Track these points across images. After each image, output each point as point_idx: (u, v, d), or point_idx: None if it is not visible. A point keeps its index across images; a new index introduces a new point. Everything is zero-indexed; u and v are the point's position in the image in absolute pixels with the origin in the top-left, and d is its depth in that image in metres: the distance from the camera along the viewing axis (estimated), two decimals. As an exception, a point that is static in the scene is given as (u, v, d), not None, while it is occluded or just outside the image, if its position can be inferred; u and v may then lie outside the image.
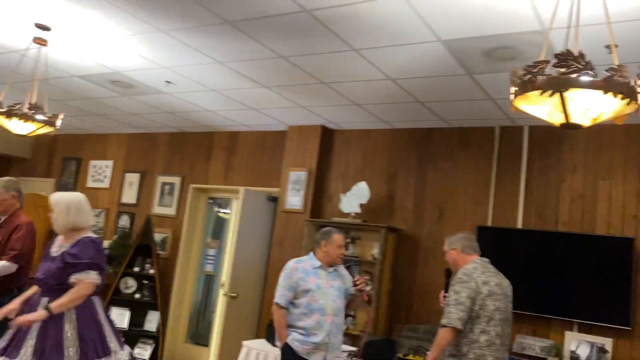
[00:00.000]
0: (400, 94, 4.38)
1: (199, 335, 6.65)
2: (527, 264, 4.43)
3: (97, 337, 3.02)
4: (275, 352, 3.99)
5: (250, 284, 5.64)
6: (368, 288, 3.65)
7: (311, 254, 3.75)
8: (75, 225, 3.18)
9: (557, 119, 2.14)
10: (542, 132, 4.68)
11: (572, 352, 4.13)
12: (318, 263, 3.66)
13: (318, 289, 3.56)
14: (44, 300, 3.03)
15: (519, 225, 4.63)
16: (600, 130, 4.35)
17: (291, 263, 3.69)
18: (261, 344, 4.27)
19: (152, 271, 6.48)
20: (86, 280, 3.03)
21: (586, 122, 2.12)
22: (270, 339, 4.22)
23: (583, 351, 4.06)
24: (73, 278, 3.03)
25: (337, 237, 3.67)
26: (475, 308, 3.01)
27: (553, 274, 4.31)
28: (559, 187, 4.55)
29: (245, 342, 4.30)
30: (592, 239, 4.25)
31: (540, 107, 2.12)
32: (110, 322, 3.21)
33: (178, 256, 6.60)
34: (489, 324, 3.01)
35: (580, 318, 4.17)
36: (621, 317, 4.00)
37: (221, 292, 5.76)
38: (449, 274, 3.40)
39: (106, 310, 3.27)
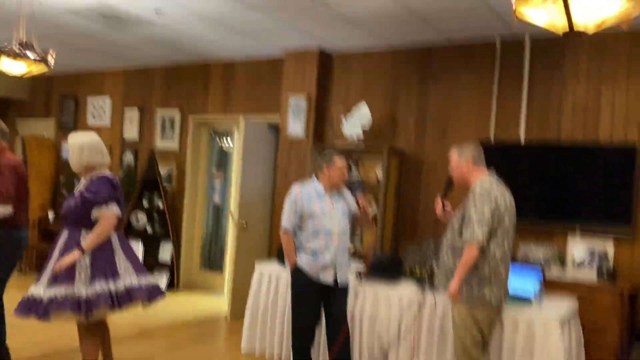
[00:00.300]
0: (397, 7, 4.25)
1: (213, 262, 6.88)
2: (531, 177, 4.48)
3: (106, 263, 3.22)
4: (287, 274, 4.14)
5: (258, 212, 5.75)
6: (371, 209, 3.71)
7: (314, 178, 3.79)
8: (90, 164, 3.34)
9: (560, 26, 2.08)
10: (544, 43, 4.57)
11: (575, 256, 4.25)
12: (321, 187, 3.71)
13: (323, 212, 3.63)
14: (65, 233, 3.31)
15: (522, 138, 4.63)
16: (604, 38, 4.24)
17: (295, 188, 3.74)
18: (273, 266, 4.41)
19: (160, 205, 6.60)
20: (108, 214, 3.24)
21: (590, 27, 2.06)
22: (281, 262, 4.35)
23: (585, 256, 4.18)
24: (95, 213, 3.25)
25: (339, 160, 3.69)
26: (494, 224, 2.99)
27: (556, 185, 4.37)
28: (561, 97, 4.51)
29: (257, 265, 4.44)
30: (595, 150, 4.27)
31: (543, 11, 2.04)
32: (127, 252, 3.37)
33: (185, 189, 6.69)
34: (504, 239, 3.04)
35: (583, 223, 4.26)
36: (623, 222, 4.09)
37: (230, 221, 5.88)
38: (449, 182, 3.34)
39: (125, 240, 3.45)
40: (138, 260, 3.47)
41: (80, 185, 3.40)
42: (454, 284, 3.01)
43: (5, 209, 3.56)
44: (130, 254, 3.39)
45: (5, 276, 3.67)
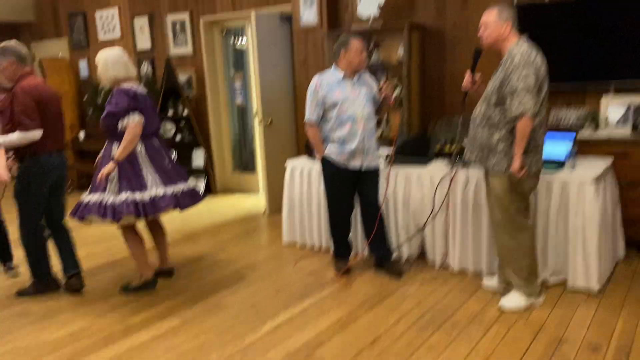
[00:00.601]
0: None
1: (245, 163, 7.01)
2: (559, 37, 4.25)
3: (132, 175, 3.46)
4: (317, 166, 4.20)
5: (281, 107, 5.72)
6: (395, 93, 3.63)
7: (334, 65, 3.71)
8: (118, 78, 3.52)
9: None
10: None
11: (609, 114, 4.14)
12: (341, 74, 3.63)
13: (345, 99, 3.59)
14: (109, 147, 3.57)
15: (549, -4, 4.34)
16: None
17: (315, 79, 3.68)
18: (303, 161, 4.46)
19: (185, 112, 6.63)
20: (131, 124, 3.43)
21: None
22: (311, 155, 4.40)
23: (620, 113, 4.07)
24: (120, 125, 3.46)
25: (356, 43, 3.57)
26: (537, 91, 2.87)
27: (588, 40, 4.15)
28: (591, -55, 4.14)
29: (288, 162, 4.51)
30: (628, -3, 3.98)
31: None
32: (156, 162, 3.59)
33: (206, 94, 6.66)
34: (542, 106, 2.95)
35: (615, 79, 4.09)
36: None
37: (256, 121, 5.89)
38: (477, 54, 3.18)
39: (158, 149, 3.65)
40: (171, 168, 3.67)
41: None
42: (516, 161, 2.93)
43: (23, 135, 3.39)
44: (159, 164, 3.59)
45: (37, 205, 3.60)
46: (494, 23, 2.98)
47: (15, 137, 3.41)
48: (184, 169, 3.88)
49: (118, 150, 3.42)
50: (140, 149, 3.53)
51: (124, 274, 4.12)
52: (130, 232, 3.68)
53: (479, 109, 3.12)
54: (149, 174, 3.52)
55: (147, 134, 3.58)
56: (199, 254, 4.54)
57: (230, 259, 4.38)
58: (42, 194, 3.62)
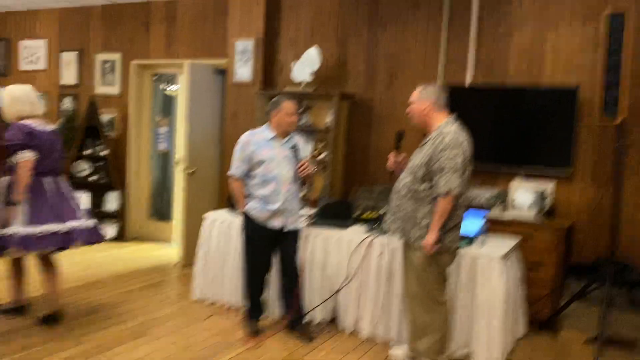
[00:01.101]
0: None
1: (161, 211, 6.76)
2: (477, 120, 4.54)
3: (30, 209, 3.47)
4: (234, 220, 4.13)
5: (207, 157, 5.65)
6: (313, 170, 3.70)
7: (266, 125, 3.74)
8: (22, 114, 3.57)
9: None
10: (493, -15, 4.57)
11: (517, 198, 4.42)
12: (272, 134, 3.67)
13: (272, 159, 3.61)
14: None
15: (467, 82, 4.68)
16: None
17: (244, 136, 3.69)
18: (224, 214, 4.38)
19: (103, 153, 6.37)
20: (21, 161, 3.43)
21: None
22: (233, 208, 4.33)
23: (527, 197, 4.36)
24: (13, 160, 3.46)
25: (287, 105, 3.64)
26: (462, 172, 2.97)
27: (501, 128, 4.48)
28: (507, 41, 4.56)
29: (207, 214, 4.40)
30: (538, 91, 4.37)
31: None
32: (55, 197, 3.60)
33: (128, 136, 6.47)
34: (467, 186, 3.06)
35: (525, 165, 4.41)
36: (563, 163, 4.27)
37: (178, 169, 5.75)
38: (400, 136, 3.30)
39: (58, 186, 3.68)
40: (66, 205, 3.66)
41: None
42: (431, 236, 2.98)
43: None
44: (57, 200, 3.60)
45: None
46: (417, 101, 3.14)
47: None
48: (82, 210, 3.80)
49: (16, 191, 3.44)
50: (45, 182, 3.58)
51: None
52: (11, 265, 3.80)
53: (404, 181, 3.16)
54: (44, 207, 3.53)
55: (42, 172, 3.56)
56: (101, 303, 4.24)
57: (134, 311, 4.12)
58: None
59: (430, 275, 3.12)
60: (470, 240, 3.65)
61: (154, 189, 6.78)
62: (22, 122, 3.53)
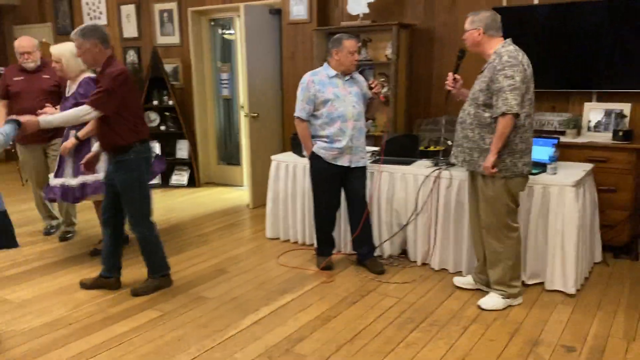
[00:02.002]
0: None
1: (230, 156, 6.98)
2: (546, 41, 4.30)
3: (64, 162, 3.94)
4: (303, 162, 4.20)
5: (268, 101, 5.70)
6: (384, 90, 3.64)
7: (325, 64, 3.72)
8: (83, 68, 3.83)
9: None
10: None
11: (591, 121, 4.21)
12: (333, 72, 3.65)
13: (336, 97, 3.60)
14: (72, 132, 3.88)
15: (535, 1, 4.39)
16: None
17: (307, 76, 3.69)
18: (288, 156, 4.46)
19: (170, 102, 6.58)
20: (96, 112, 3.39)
21: None
22: (297, 150, 4.40)
23: (602, 119, 4.14)
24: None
25: (349, 44, 3.58)
26: (523, 92, 2.91)
27: (572, 48, 4.21)
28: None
29: (273, 156, 4.50)
30: (610, 5, 4.04)
31: None
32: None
33: (193, 84, 6.61)
34: (531, 107, 2.99)
35: (599, 88, 4.17)
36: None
37: (242, 113, 5.86)
38: (461, 54, 3.25)
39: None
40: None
41: (73, 89, 3.92)
42: (490, 158, 2.98)
43: (89, 111, 3.19)
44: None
45: (149, 195, 3.47)
46: (469, 29, 3.09)
47: (81, 110, 3.16)
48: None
49: (82, 131, 3.77)
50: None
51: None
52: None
53: (467, 110, 3.14)
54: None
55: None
56: (181, 246, 4.52)
57: (212, 252, 4.37)
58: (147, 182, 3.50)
59: (502, 202, 3.11)
60: (541, 168, 3.55)
61: (221, 134, 6.97)
62: (87, 76, 3.82)
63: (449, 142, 4.09)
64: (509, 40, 3.05)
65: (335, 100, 3.60)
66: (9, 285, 3.71)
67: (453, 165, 3.66)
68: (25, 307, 3.36)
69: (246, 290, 3.57)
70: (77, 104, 3.59)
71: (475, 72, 3.24)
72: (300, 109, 3.69)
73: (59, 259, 4.20)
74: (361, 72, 3.75)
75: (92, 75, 3.87)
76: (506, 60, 2.91)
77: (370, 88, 3.66)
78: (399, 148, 4.13)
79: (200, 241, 4.64)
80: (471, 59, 3.48)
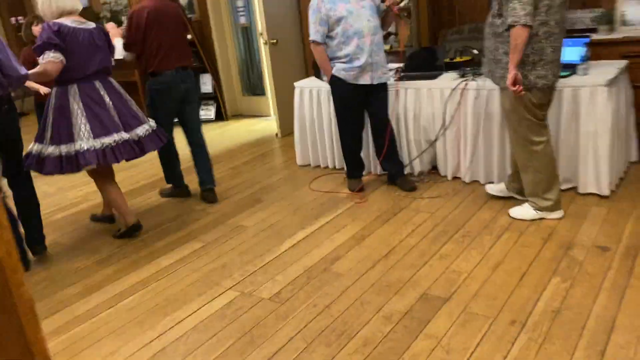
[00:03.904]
0: None
1: (254, 86, 6.95)
2: None
3: (63, 125, 3.23)
4: (326, 86, 4.16)
5: (287, 27, 5.58)
6: (403, 2, 3.51)
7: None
8: (64, 11, 3.23)
9: None
10: None
11: (625, 13, 3.98)
12: (344, -13, 3.52)
13: (350, 13, 3.49)
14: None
15: None
16: None
17: None
18: (311, 81, 4.42)
19: (189, 36, 6.50)
20: (45, 61, 3.11)
21: None
22: (319, 75, 4.35)
23: (635, 11, 3.91)
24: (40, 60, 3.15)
25: None
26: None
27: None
28: None
29: (296, 83, 4.47)
30: None
31: None
32: (93, 111, 3.26)
33: (209, 15, 6.49)
34: (549, 14, 2.79)
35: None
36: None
37: (261, 41, 5.77)
38: None
39: (99, 95, 3.32)
40: (115, 114, 3.34)
41: None
42: (510, 72, 2.84)
43: (126, 54, 3.82)
44: (94, 112, 3.25)
45: (163, 122, 3.81)
46: None
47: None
48: (137, 112, 3.52)
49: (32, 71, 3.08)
50: (74, 94, 3.24)
51: (150, 202, 4.26)
52: (99, 178, 3.54)
53: (488, 20, 3.01)
54: (81, 124, 3.22)
55: (84, 76, 3.25)
56: (218, 177, 4.61)
57: (245, 182, 4.48)
58: (167, 108, 3.86)
59: (519, 116, 3.01)
60: (571, 70, 3.42)
61: (243, 65, 6.91)
62: (54, 21, 3.17)
63: (475, 51, 3.96)
64: None
65: (349, 17, 3.49)
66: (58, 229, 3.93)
67: (480, 75, 3.56)
68: (76, 249, 3.56)
69: (282, 217, 3.68)
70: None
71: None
72: (315, 32, 3.60)
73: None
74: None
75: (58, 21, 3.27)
76: None
77: (383, 0, 3.52)
78: (422, 62, 4.03)
79: (233, 173, 4.74)
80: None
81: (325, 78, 3.78)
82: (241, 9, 6.58)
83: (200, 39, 6.55)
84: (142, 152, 3.44)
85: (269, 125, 6.30)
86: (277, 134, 5.76)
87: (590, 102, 3.26)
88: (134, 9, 3.73)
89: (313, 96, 4.35)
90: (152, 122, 3.61)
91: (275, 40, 5.40)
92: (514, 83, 2.85)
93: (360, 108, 3.77)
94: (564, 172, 3.48)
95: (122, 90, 3.49)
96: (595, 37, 3.86)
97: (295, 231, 3.43)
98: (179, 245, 3.43)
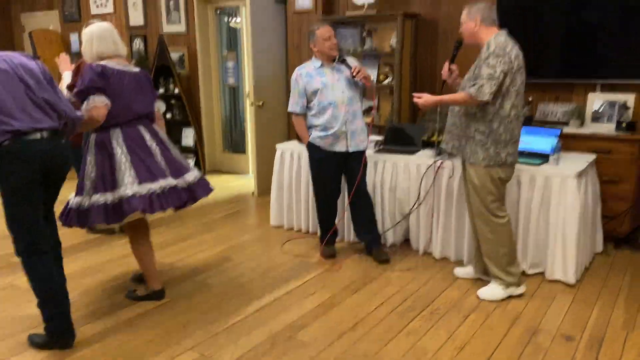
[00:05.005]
0: None
1: (235, 144, 7.02)
2: (550, 29, 4.29)
3: (107, 171, 2.96)
4: (306, 151, 4.23)
5: (274, 90, 5.73)
6: (367, 73, 3.66)
7: (313, 57, 3.77)
8: (103, 55, 3.05)
9: None
10: None
11: (595, 111, 4.21)
12: (319, 63, 3.73)
13: (324, 86, 3.66)
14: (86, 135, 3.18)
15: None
16: None
17: (296, 71, 3.80)
18: (293, 144, 4.50)
19: (176, 90, 6.61)
20: (90, 107, 2.89)
21: None
22: (300, 141, 4.43)
23: (605, 110, 4.14)
24: (84, 105, 2.93)
25: (320, 32, 3.66)
26: (506, 83, 2.95)
27: (576, 37, 4.20)
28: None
29: (278, 145, 4.54)
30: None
31: None
32: (137, 155, 3.01)
33: (198, 72, 6.64)
34: (517, 98, 3.02)
35: (603, 77, 4.17)
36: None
37: (247, 102, 5.89)
38: (458, 45, 3.27)
39: (143, 140, 3.07)
40: (160, 160, 3.10)
41: None
42: (431, 100, 3.20)
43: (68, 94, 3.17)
44: (139, 157, 3.01)
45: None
46: (465, 20, 3.13)
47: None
48: (182, 160, 3.28)
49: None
50: (117, 138, 3.00)
51: (116, 252, 4.17)
52: (133, 236, 3.28)
53: None
54: (125, 170, 2.97)
55: (127, 121, 3.03)
56: (187, 234, 4.58)
57: (217, 239, 4.43)
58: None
59: (487, 191, 3.15)
60: (544, 158, 3.57)
61: (227, 122, 7.01)
62: (98, 63, 2.97)
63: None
64: (503, 31, 3.07)
65: (324, 89, 3.66)
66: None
67: (453, 154, 3.68)
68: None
69: (250, 278, 3.63)
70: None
71: (471, 63, 3.25)
72: (294, 104, 3.78)
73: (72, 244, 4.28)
74: (342, 62, 3.73)
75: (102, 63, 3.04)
76: (492, 50, 2.95)
77: (353, 77, 3.66)
78: (401, 137, 4.16)
79: (205, 228, 4.70)
80: (471, 50, 3.48)
81: (304, 144, 3.88)
82: (231, 70, 6.75)
83: (187, 93, 6.66)
84: (193, 199, 3.17)
85: (246, 183, 6.32)
86: (253, 193, 5.78)
87: (561, 191, 3.38)
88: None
89: (294, 159, 4.41)
90: (196, 171, 3.33)
91: (261, 103, 5.52)
92: (424, 105, 3.26)
93: (337, 175, 3.84)
94: (532, 257, 3.56)
95: (165, 137, 3.25)
96: (566, 129, 4.06)
97: (263, 294, 3.38)
98: (142, 299, 3.33)
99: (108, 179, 2.95)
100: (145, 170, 3.00)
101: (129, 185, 2.94)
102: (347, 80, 3.70)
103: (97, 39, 3.05)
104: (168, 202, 3.03)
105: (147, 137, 3.10)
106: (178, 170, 3.16)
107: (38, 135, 2.51)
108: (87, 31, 3.09)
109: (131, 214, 2.92)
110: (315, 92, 3.67)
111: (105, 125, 2.98)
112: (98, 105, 2.89)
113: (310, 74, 3.70)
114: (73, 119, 2.69)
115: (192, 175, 3.24)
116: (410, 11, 4.92)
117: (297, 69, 3.79)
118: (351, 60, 3.75)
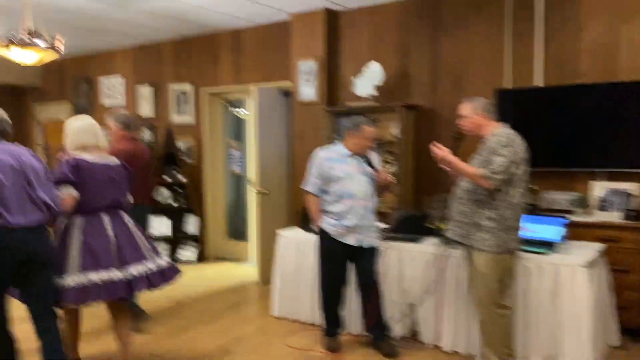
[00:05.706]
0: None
1: (238, 232, 6.99)
2: (549, 121, 4.39)
3: (60, 255, 3.10)
4: (309, 238, 4.19)
5: (278, 178, 5.79)
6: (390, 178, 3.72)
7: (339, 142, 3.79)
8: (86, 146, 3.28)
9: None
10: (558, -19, 4.41)
11: (601, 199, 4.20)
12: (347, 151, 3.70)
13: (347, 176, 3.64)
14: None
15: (538, 83, 4.53)
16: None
17: (320, 153, 3.76)
18: (295, 232, 4.47)
19: (182, 179, 6.69)
20: (61, 195, 3.07)
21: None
22: (305, 227, 4.40)
23: (610, 199, 4.14)
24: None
25: (369, 130, 3.68)
26: (514, 172, 3.03)
27: (576, 128, 4.28)
28: (577, 37, 4.37)
29: (280, 231, 4.50)
30: (614, 87, 4.15)
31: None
32: (92, 242, 3.13)
33: (204, 162, 6.75)
34: (521, 186, 3.09)
35: (604, 167, 4.21)
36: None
37: (252, 190, 5.93)
38: (459, 137, 3.34)
39: (103, 229, 3.20)
40: (131, 246, 3.25)
41: None
42: (449, 159, 3.17)
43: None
44: (91, 246, 3.12)
45: None
46: (470, 116, 3.25)
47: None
48: (143, 249, 3.33)
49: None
50: (74, 227, 3.17)
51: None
52: (111, 312, 3.39)
53: (462, 186, 3.24)
54: (75, 257, 3.09)
55: (92, 209, 3.20)
56: (186, 324, 4.43)
57: (217, 331, 4.28)
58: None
59: (495, 279, 3.13)
60: (551, 247, 3.52)
61: (230, 210, 7.03)
62: (74, 156, 3.21)
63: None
64: (505, 124, 3.22)
65: (346, 178, 3.64)
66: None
67: (450, 239, 3.63)
68: None
69: (251, 373, 3.46)
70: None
71: (468, 152, 3.33)
72: (312, 184, 3.74)
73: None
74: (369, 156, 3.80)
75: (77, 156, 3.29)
76: (503, 140, 3.07)
77: (379, 180, 3.69)
78: (407, 226, 4.13)
79: (206, 319, 4.55)
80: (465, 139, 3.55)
81: (313, 227, 3.84)
82: (236, 159, 6.87)
83: (192, 181, 6.73)
84: (130, 293, 3.19)
85: (248, 271, 6.22)
86: (257, 282, 5.66)
87: (572, 282, 3.29)
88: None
89: (297, 247, 4.36)
90: (163, 259, 3.42)
91: (267, 191, 5.55)
92: (444, 157, 3.20)
93: (344, 265, 3.76)
94: (544, 349, 3.40)
95: (131, 225, 3.34)
96: (573, 218, 4.03)
97: (265, 391, 3.21)
98: (137, 395, 3.16)
99: (60, 263, 3.09)
100: (91, 258, 3.10)
101: (72, 274, 3.06)
102: (368, 175, 3.71)
103: (82, 132, 3.32)
104: (108, 294, 3.10)
105: (109, 227, 3.23)
106: (136, 259, 3.24)
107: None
108: (73, 124, 3.37)
109: (67, 304, 3.07)
110: (336, 179, 3.64)
111: (72, 213, 3.18)
112: (65, 197, 3.10)
113: (332, 159, 3.69)
114: (59, 212, 3.00)
115: (144, 267, 3.27)
116: (410, 102, 5.07)
117: (319, 150, 3.78)
118: (374, 158, 3.78)
